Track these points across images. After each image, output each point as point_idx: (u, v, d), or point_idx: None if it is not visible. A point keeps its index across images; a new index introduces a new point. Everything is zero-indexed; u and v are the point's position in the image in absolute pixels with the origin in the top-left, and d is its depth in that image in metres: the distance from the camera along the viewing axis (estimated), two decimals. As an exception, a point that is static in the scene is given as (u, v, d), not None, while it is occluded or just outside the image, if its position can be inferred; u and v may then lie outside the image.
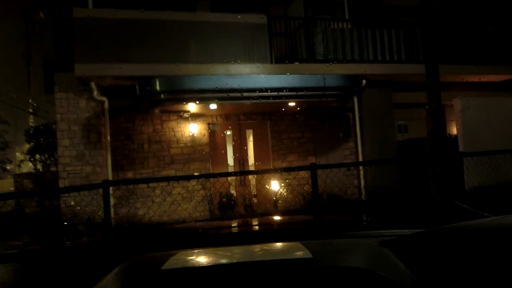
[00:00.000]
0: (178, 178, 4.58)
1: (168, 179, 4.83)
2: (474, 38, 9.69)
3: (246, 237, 1.57)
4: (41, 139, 8.28)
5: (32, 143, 8.32)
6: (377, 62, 8.86)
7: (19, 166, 10.41)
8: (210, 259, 1.18)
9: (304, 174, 8.69)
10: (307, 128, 9.45)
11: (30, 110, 15.40)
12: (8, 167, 16.61)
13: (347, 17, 9.69)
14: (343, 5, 9.76)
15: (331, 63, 8.41)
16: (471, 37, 9.69)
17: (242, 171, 7.27)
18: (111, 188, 5.15)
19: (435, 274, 0.95)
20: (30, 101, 14.76)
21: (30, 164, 8.78)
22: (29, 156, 8.43)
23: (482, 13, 10.50)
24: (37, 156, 8.37)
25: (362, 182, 9.38)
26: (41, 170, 8.50)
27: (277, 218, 2.27)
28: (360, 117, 9.44)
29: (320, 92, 7.75)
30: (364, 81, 8.92)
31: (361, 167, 9.42)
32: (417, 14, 8.96)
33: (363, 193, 9.32)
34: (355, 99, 9.34)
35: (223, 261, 1.14)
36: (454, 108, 8.44)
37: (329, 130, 9.49)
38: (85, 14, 7.25)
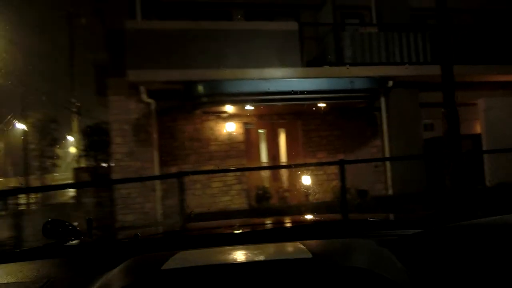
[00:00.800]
0: (235, 170, 5.38)
1: (226, 171, 5.68)
2: (501, 38, 9.94)
3: (276, 234, 1.58)
4: (95, 137, 9.27)
5: (87, 141, 9.33)
6: (404, 64, 9.31)
7: (76, 161, 11.52)
8: (210, 259, 1.18)
9: (333, 170, 9.36)
10: (336, 126, 10.01)
11: (81, 111, 16.71)
12: (56, 162, 18.03)
13: (374, 21, 10.17)
14: (371, 9, 10.24)
15: (358, 66, 8.96)
16: (498, 37, 9.96)
17: (276, 165, 7.98)
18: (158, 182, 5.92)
19: (435, 274, 0.96)
20: (77, 103, 16.03)
21: (86, 159, 9.82)
22: (85, 152, 9.45)
23: (508, 13, 10.69)
24: (92, 153, 9.38)
25: (389, 178, 9.87)
26: (95, 165, 9.51)
27: (307, 217, 2.25)
28: (387, 116, 9.92)
29: (348, 94, 8.32)
30: (391, 82, 9.39)
31: (387, 164, 9.91)
32: (443, 16, 9.34)
33: (390, 189, 9.83)
34: (382, 99, 9.82)
35: (223, 261, 1.14)
36: (478, 107, 8.78)
37: (357, 128, 10.02)
38: (135, 26, 8.14)
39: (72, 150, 19.62)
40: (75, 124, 16.65)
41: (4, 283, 1.17)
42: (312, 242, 1.27)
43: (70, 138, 20.84)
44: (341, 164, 3.75)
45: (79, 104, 16.29)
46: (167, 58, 8.03)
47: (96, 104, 10.80)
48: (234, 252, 1.24)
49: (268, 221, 2.22)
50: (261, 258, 1.14)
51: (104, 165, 9.39)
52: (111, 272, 1.12)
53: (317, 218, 2.25)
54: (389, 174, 9.90)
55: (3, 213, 14.86)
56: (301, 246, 1.18)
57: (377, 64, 9.11)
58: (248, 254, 1.20)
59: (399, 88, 9.57)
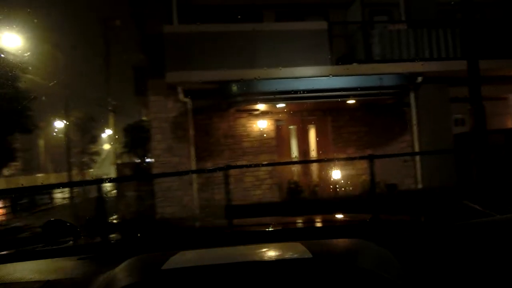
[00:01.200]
0: (274, 164, 5.78)
1: (267, 165, 6.11)
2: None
3: (276, 234, 1.59)
4: (135, 135, 9.91)
5: (129, 138, 9.97)
6: (433, 60, 9.39)
7: (119, 157, 12.28)
8: (210, 259, 1.19)
9: (363, 165, 9.63)
10: (365, 122, 10.21)
11: (120, 110, 17.59)
12: (95, 158, 19.02)
13: (403, 17, 10.27)
14: (399, 6, 10.34)
15: (387, 63, 9.13)
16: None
17: (308, 160, 8.36)
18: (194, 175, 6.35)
19: (435, 275, 0.96)
20: (116, 103, 16.88)
21: (127, 155, 10.50)
22: (126, 149, 10.11)
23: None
24: (133, 149, 10.02)
25: (419, 172, 10.00)
26: (136, 160, 10.16)
27: (337, 216, 2.26)
28: (416, 112, 10.03)
29: (377, 91, 8.53)
30: (420, 78, 9.51)
31: (417, 159, 10.04)
32: (469, 9, 9.35)
33: (419, 183, 9.96)
34: (412, 95, 9.95)
35: (223, 261, 1.14)
36: (509, 101, 8.78)
37: (386, 124, 10.19)
38: (172, 30, 8.64)
39: (110, 147, 20.64)
40: (113, 123, 17.50)
41: (5, 283, 1.16)
42: (312, 242, 1.26)
43: (108, 136, 21.89)
44: (370, 158, 4.02)
45: (117, 104, 17.13)
46: (203, 59, 8.49)
47: (135, 103, 11.45)
48: (234, 252, 1.25)
49: (299, 220, 2.15)
50: (261, 258, 1.14)
51: (144, 160, 10.01)
52: (111, 272, 1.12)
53: (347, 217, 2.15)
54: (418, 168, 10.04)
55: (49, 205, 15.92)
56: (302, 246, 1.19)
57: (406, 61, 9.24)
58: (248, 254, 1.20)
59: (429, 84, 9.66)
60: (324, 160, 7.36)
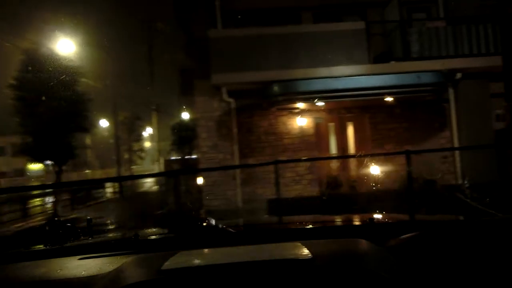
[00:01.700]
0: (319, 159, 6.25)
1: (312, 159, 6.66)
2: None
3: (276, 234, 1.60)
4: (182, 133, 10.61)
5: (176, 136, 10.69)
6: (473, 56, 9.41)
7: (168, 153, 13.11)
8: (210, 259, 1.20)
9: (401, 160, 9.84)
10: (403, 119, 10.37)
11: (167, 110, 18.58)
12: (142, 155, 20.11)
13: (441, 14, 10.31)
14: (438, 2, 10.39)
15: (426, 60, 9.26)
16: None
17: (349, 155, 8.74)
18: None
19: (435, 275, 0.97)
20: (161, 103, 17.86)
21: (175, 152, 11.24)
22: (174, 146, 10.84)
23: None
24: (180, 146, 10.73)
25: (458, 168, 10.06)
26: (183, 156, 10.87)
27: (375, 216, 2.14)
28: (456, 108, 10.08)
29: (415, 88, 8.71)
30: (459, 74, 9.56)
31: (457, 155, 10.10)
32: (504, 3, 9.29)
33: (459, 179, 10.01)
34: (451, 91, 10.00)
35: (223, 261, 1.15)
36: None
37: (425, 120, 10.30)
38: (216, 35, 9.21)
39: (155, 144, 21.75)
40: (157, 121, 18.49)
41: (5, 284, 1.17)
42: (312, 242, 1.27)
43: (153, 134, 23.01)
44: (406, 154, 4.27)
45: (161, 103, 18.10)
46: (245, 61, 9.01)
47: (179, 103, 12.18)
48: (234, 252, 1.25)
49: (338, 219, 2.17)
50: (261, 258, 1.14)
51: (190, 156, 10.70)
52: (111, 272, 1.13)
53: (384, 217, 2.16)
54: (458, 164, 10.09)
55: (102, 199, 17.10)
56: (302, 246, 1.20)
57: (445, 57, 9.32)
58: (248, 254, 1.20)
59: (469, 80, 9.68)
60: (364, 156, 7.67)
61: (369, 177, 9.93)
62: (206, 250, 1.32)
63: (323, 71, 8.93)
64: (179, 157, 10.69)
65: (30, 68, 10.75)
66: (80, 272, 1.24)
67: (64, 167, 12.09)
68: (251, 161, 9.98)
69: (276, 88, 8.71)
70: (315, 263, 1.05)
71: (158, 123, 21.41)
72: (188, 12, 11.02)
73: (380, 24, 10.50)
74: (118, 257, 1.33)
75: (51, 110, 10.48)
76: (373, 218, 1.66)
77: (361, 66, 9.12)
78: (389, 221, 1.94)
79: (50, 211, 11.85)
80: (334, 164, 10.23)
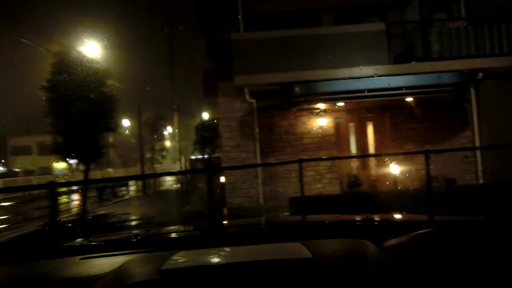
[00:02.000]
0: (336, 158, 6.53)
1: (334, 158, 6.80)
2: None
3: (276, 234, 1.62)
4: (205, 133, 10.94)
5: (199, 135, 11.05)
6: (494, 56, 9.40)
7: (191, 153, 13.51)
8: (209, 259, 1.20)
9: (421, 160, 9.95)
10: (423, 119, 10.42)
11: (189, 111, 18.99)
12: (164, 154, 20.60)
13: (463, 14, 10.33)
14: (459, 2, 10.40)
15: (446, 60, 9.31)
16: None
17: (367, 154, 8.88)
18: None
19: (434, 275, 0.97)
20: (184, 104, 18.27)
21: (198, 151, 11.60)
22: (197, 145, 11.20)
23: None
24: (203, 145, 11.07)
25: (479, 168, 10.06)
26: (206, 156, 11.21)
27: (394, 216, 2.16)
28: (477, 108, 10.09)
29: (436, 89, 8.79)
30: (481, 74, 9.57)
31: (478, 154, 10.10)
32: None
33: (480, 178, 10.02)
34: (472, 91, 10.02)
35: (222, 261, 1.16)
36: None
37: (446, 120, 10.33)
38: (239, 37, 9.49)
39: (176, 144, 22.32)
40: (179, 121, 18.94)
41: (5, 284, 1.16)
42: (312, 242, 1.27)
43: (174, 133, 23.58)
44: (425, 153, 4.41)
45: (183, 104, 18.57)
46: (267, 62, 9.25)
47: (202, 104, 12.51)
48: (234, 252, 1.25)
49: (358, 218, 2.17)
50: (261, 258, 1.14)
51: (213, 155, 11.03)
52: (111, 272, 1.13)
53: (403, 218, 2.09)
54: (479, 164, 10.10)
55: (127, 197, 17.64)
56: (302, 246, 1.20)
57: (466, 57, 9.35)
58: (248, 254, 1.21)
59: (490, 80, 9.69)
60: (383, 155, 7.82)
61: (389, 176, 10.05)
62: (206, 250, 1.31)
63: (344, 72, 9.09)
64: (203, 156, 11.05)
65: (61, 70, 11.25)
66: (80, 272, 1.24)
67: (91, 166, 12.58)
68: (272, 160, 10.23)
69: (297, 89, 8.93)
70: (315, 263, 1.05)
71: (180, 123, 21.94)
72: (211, 16, 11.34)
73: (400, 25, 10.58)
74: (118, 257, 1.32)
75: (81, 111, 10.95)
76: (373, 218, 1.62)
77: (382, 66, 9.23)
78: (389, 221, 1.90)
79: (79, 208, 12.38)
80: (354, 163, 10.38)
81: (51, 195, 3.72)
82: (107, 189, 14.96)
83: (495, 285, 0.88)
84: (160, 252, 1.31)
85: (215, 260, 1.18)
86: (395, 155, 9.18)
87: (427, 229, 1.20)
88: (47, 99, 11.16)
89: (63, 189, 20.06)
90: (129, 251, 1.39)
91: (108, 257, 1.37)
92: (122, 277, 1.07)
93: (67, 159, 12.28)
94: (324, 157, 9.79)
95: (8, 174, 42.05)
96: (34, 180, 33.04)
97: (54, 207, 4.79)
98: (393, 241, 1.24)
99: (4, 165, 49.49)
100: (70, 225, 1.75)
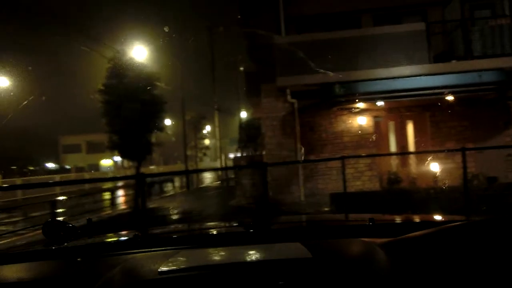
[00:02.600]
0: (378, 155, 7.09)
1: (375, 155, 7.32)
2: None
3: (276, 234, 1.63)
4: (249, 131, 11.51)
5: (242, 134, 11.63)
6: (539, 53, 9.31)
7: (236, 150, 14.18)
8: (210, 259, 1.20)
9: (460, 158, 10.03)
10: (464, 117, 10.45)
11: (232, 111, 19.73)
12: (206, 153, 21.44)
13: (506, 10, 10.24)
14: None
15: (489, 58, 9.32)
16: None
17: (406, 152, 9.14)
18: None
19: (434, 276, 0.96)
20: (226, 104, 18.99)
21: (242, 149, 12.21)
22: (241, 143, 11.80)
23: None
24: (246, 144, 11.65)
25: (524, 166, 9.98)
26: (249, 154, 11.79)
27: (434, 216, 2.03)
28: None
29: (477, 87, 8.86)
30: (525, 72, 9.49)
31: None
32: None
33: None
34: (516, 88, 9.93)
35: (223, 261, 1.16)
36: None
37: (488, 118, 10.30)
38: (281, 41, 9.96)
39: (217, 142, 23.18)
40: (220, 121, 19.66)
41: (5, 284, 1.17)
42: (312, 242, 1.27)
43: (215, 132, 24.45)
44: (462, 151, 4.63)
45: (225, 104, 19.27)
46: (308, 64, 9.63)
47: (244, 104, 13.08)
48: (234, 252, 1.25)
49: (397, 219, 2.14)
50: (261, 258, 1.15)
51: (256, 153, 11.59)
52: (111, 272, 1.13)
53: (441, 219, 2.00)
54: (524, 163, 10.01)
55: (172, 192, 18.59)
56: (302, 246, 1.20)
57: (508, 55, 9.32)
58: (248, 254, 1.21)
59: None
60: (422, 152, 8.04)
61: (428, 174, 10.19)
62: (206, 250, 1.32)
63: (383, 72, 9.33)
64: (246, 154, 11.65)
65: (115, 74, 12.20)
66: (80, 272, 1.25)
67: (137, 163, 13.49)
68: (312, 158, 10.62)
69: (337, 89, 9.28)
70: (315, 263, 1.06)
71: (221, 123, 22.73)
72: (253, 20, 11.88)
73: (442, 24, 10.63)
74: (118, 257, 1.32)
75: (133, 112, 11.83)
76: (373, 218, 1.61)
77: (421, 66, 9.39)
78: (389, 221, 1.90)
79: (132, 202, 13.31)
80: (394, 161, 10.59)
81: (139, 185, 4.35)
82: (155, 184, 15.91)
83: (495, 284, 0.88)
84: (160, 252, 1.31)
85: (215, 260, 1.18)
86: (432, 153, 9.33)
87: (427, 229, 1.19)
88: (103, 101, 12.15)
89: (109, 185, 21.41)
90: (129, 251, 1.38)
91: (108, 257, 1.37)
92: (122, 277, 1.08)
93: (123, 157, 13.22)
94: (363, 154, 10.07)
95: (64, 170, 44.80)
96: (87, 175, 35.07)
97: (143, 195, 5.45)
98: (393, 241, 1.22)
99: (56, 162, 52.77)
100: (70, 225, 1.72)
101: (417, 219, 1.95)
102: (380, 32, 9.71)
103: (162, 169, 40.93)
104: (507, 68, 9.26)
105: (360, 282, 0.97)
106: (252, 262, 1.11)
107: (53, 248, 1.58)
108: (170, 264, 1.09)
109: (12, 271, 1.31)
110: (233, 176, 17.34)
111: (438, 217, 1.93)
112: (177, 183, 20.56)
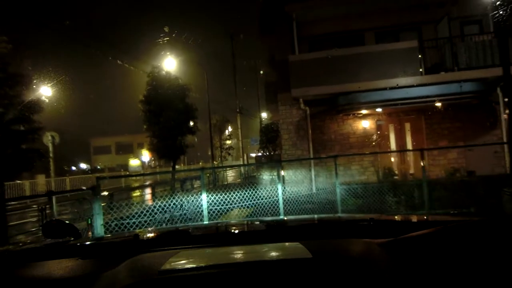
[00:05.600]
0: (371, 153, 8.50)
1: (367, 154, 8.83)
2: None
3: (276, 234, 1.59)
4: (269, 134, 13.45)
5: (263, 136, 13.58)
6: (517, 64, 10.84)
7: (258, 150, 16.19)
8: (210, 259, 1.18)
9: (453, 155, 11.84)
10: (456, 119, 12.06)
11: (254, 116, 21.72)
12: (230, 153, 23.43)
13: (491, 27, 11.81)
14: (488, 16, 11.89)
15: (473, 70, 10.93)
16: None
17: (400, 150, 10.87)
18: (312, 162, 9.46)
19: (434, 276, 0.96)
20: (248, 109, 21.02)
21: (262, 149, 14.18)
22: (262, 144, 13.76)
23: None
24: (266, 144, 13.60)
25: (507, 161, 11.53)
26: (269, 153, 13.73)
27: (434, 217, 1.99)
28: (504, 108, 11.54)
29: (459, 96, 10.52)
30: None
31: (506, 150, 11.55)
32: None
33: (508, 170, 11.46)
34: (499, 93, 11.49)
35: (222, 261, 1.14)
36: None
37: (477, 120, 11.89)
38: (295, 59, 11.83)
39: (239, 143, 25.25)
40: (242, 124, 21.62)
41: (6, 284, 1.18)
42: (312, 242, 1.28)
43: (237, 134, 26.54)
44: (421, 151, 6.05)
45: (247, 110, 21.32)
46: (317, 77, 11.50)
47: (263, 110, 15.00)
48: (234, 252, 1.26)
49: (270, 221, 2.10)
50: (261, 258, 1.16)
51: (275, 153, 13.53)
52: (111, 272, 1.15)
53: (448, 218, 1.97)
54: (507, 158, 11.56)
55: (195, 190, 20.56)
56: (302, 246, 1.22)
57: (490, 67, 10.86)
58: (248, 254, 1.22)
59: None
60: (414, 150, 9.77)
61: (419, 168, 11.84)
62: (206, 250, 1.33)
63: (382, 83, 11.07)
64: (266, 153, 13.62)
65: (153, 87, 14.32)
66: (80, 272, 1.24)
67: (160, 163, 15.59)
68: (323, 156, 12.44)
69: (341, 99, 11.10)
70: (315, 263, 1.06)
71: (242, 123, 24.72)
72: (272, 40, 13.80)
73: (433, 39, 12.27)
74: (119, 257, 1.30)
75: (169, 119, 13.94)
76: (373, 218, 1.65)
77: (415, 77, 11.08)
78: (389, 221, 1.95)
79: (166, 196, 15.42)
80: (394, 159, 12.31)
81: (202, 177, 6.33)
82: (187, 181, 18.03)
83: (495, 285, 0.87)
84: (160, 252, 1.32)
85: (215, 260, 1.16)
86: (424, 150, 10.99)
87: (427, 229, 1.19)
88: (144, 110, 14.28)
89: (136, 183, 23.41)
90: (129, 251, 1.37)
91: (108, 257, 1.37)
92: (122, 277, 1.08)
93: (161, 157, 15.36)
94: (367, 152, 11.83)
95: (98, 170, 47.70)
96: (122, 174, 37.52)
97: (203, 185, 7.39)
98: (393, 241, 1.21)
99: (88, 163, 55.96)
100: (70, 225, 1.74)
101: (417, 219, 1.94)
102: (379, 49, 11.47)
103: (193, 166, 43.18)
104: (490, 78, 10.85)
105: (360, 282, 0.97)
106: (252, 262, 1.12)
107: (53, 248, 1.58)
108: (170, 264, 1.11)
109: (13, 271, 1.31)
110: (254, 174, 19.19)
111: (438, 217, 1.92)
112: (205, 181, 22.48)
